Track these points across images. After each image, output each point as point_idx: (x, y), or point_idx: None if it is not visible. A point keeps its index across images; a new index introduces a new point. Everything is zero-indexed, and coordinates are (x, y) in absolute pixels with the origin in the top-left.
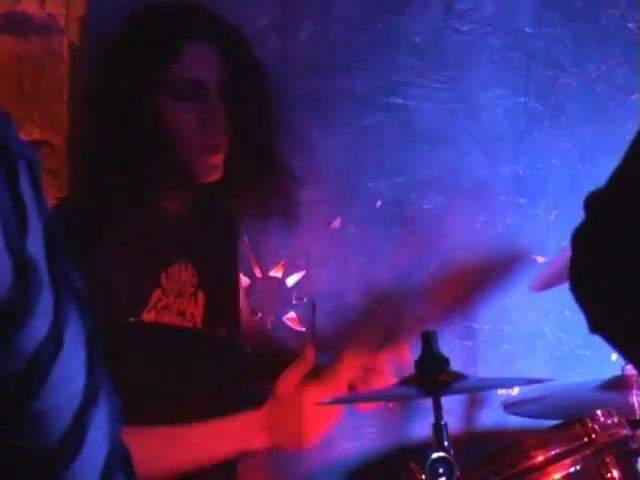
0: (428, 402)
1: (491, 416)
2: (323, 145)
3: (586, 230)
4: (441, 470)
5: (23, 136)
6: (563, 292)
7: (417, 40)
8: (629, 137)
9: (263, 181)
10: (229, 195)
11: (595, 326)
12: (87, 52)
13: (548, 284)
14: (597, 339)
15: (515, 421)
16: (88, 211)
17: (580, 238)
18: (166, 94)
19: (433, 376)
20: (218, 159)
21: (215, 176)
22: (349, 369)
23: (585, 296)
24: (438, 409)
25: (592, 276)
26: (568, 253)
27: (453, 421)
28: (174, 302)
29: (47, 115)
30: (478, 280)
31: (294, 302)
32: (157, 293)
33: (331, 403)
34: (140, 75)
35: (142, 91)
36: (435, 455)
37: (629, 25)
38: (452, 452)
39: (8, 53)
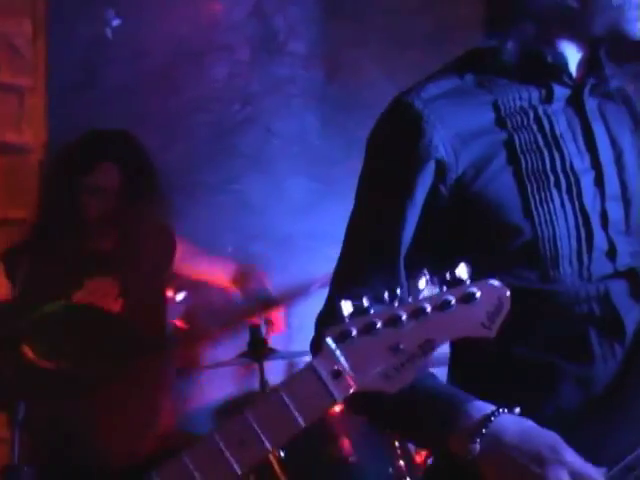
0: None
1: None
2: (193, 211)
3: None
4: None
5: (9, 215)
6: None
7: (246, 151)
8: None
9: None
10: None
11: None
12: (48, 164)
13: None
14: None
15: None
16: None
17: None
18: (85, 190)
19: (258, 351)
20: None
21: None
22: None
23: None
24: (262, 372)
25: None
26: None
27: (274, 379)
28: (97, 300)
29: (24, 201)
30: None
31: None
32: (79, 293)
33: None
34: (73, 180)
35: (74, 187)
36: None
37: None
38: None
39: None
